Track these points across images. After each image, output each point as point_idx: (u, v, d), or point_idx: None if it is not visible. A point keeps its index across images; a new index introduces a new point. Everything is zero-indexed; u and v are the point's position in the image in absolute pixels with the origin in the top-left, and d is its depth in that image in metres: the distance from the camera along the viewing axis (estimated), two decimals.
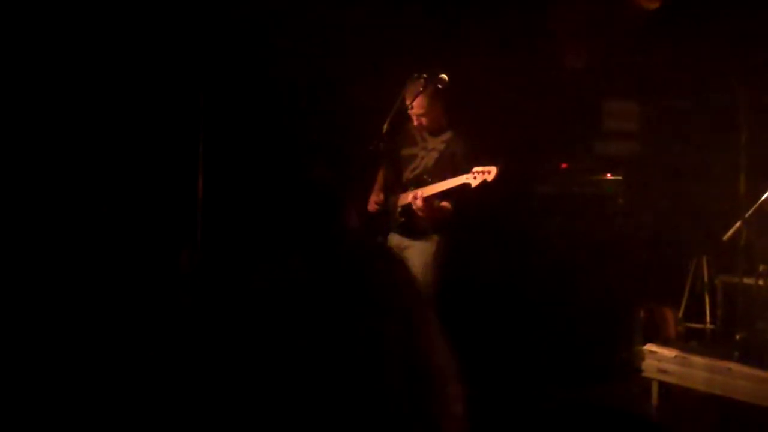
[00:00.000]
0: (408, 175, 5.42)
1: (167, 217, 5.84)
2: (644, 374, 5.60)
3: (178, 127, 5.78)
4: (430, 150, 5.40)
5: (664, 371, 5.50)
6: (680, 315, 6.44)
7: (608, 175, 6.71)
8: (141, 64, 5.79)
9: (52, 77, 5.52)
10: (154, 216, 5.85)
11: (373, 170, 5.50)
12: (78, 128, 5.63)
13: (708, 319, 6.37)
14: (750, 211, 5.67)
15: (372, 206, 5.44)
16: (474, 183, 5.00)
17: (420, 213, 5.16)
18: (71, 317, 4.97)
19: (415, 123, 5.35)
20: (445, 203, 5.24)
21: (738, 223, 5.71)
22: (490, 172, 4.97)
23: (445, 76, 5.06)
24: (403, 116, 5.25)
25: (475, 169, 5.02)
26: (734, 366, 5.12)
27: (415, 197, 5.16)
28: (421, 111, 5.27)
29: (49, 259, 5.31)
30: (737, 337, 5.53)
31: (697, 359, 5.36)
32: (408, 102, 5.17)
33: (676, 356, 5.46)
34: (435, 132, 5.40)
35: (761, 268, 5.78)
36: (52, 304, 5.03)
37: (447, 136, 5.38)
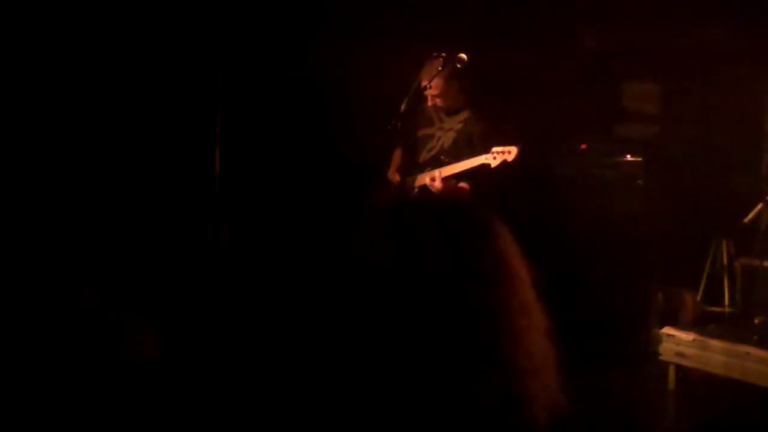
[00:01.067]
0: (425, 155, 5.39)
1: (185, 194, 5.83)
2: (661, 357, 5.57)
3: (196, 104, 5.77)
4: (447, 130, 5.37)
5: (681, 355, 5.46)
6: (699, 298, 6.40)
7: (628, 156, 6.65)
8: (158, 41, 5.77)
9: (69, 54, 5.51)
10: (172, 194, 5.84)
11: (391, 150, 5.47)
12: (97, 108, 5.62)
13: (727, 302, 6.32)
14: None
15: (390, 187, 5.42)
16: (494, 163, 4.96)
17: (436, 195, 5.13)
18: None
19: (430, 103, 5.31)
20: (463, 184, 5.20)
21: (759, 205, 5.67)
22: (510, 152, 4.92)
23: (464, 56, 5.00)
24: (420, 96, 5.21)
25: (494, 149, 4.97)
26: (753, 350, 5.08)
27: (432, 178, 5.13)
28: (437, 91, 5.23)
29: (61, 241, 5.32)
30: (756, 321, 5.49)
31: (715, 343, 5.31)
32: (426, 82, 5.13)
33: (694, 340, 5.42)
34: (451, 112, 5.36)
35: None
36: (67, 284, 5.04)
37: (464, 116, 5.34)
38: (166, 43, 5.78)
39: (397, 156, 5.48)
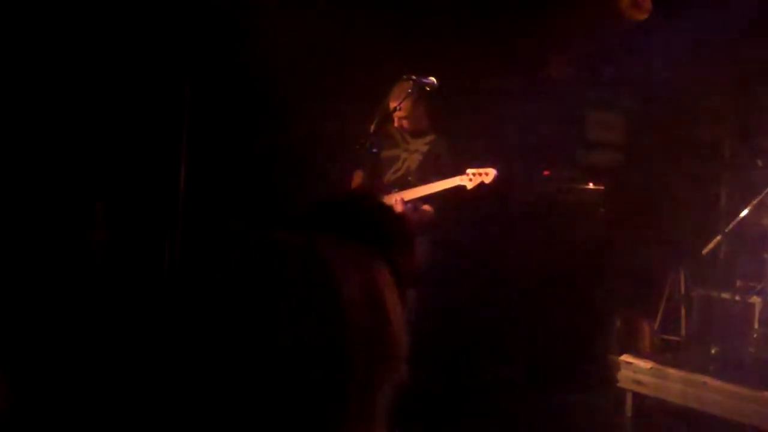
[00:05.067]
0: (390, 176, 5.38)
1: (148, 206, 5.78)
2: (619, 385, 5.61)
3: (162, 115, 5.72)
4: (412, 152, 5.37)
5: (639, 382, 5.51)
6: (656, 327, 6.45)
7: (590, 184, 6.72)
8: (126, 48, 5.72)
9: (32, 61, 5.45)
10: (136, 204, 5.79)
11: (359, 170, 5.47)
12: (61, 117, 5.56)
13: (683, 332, 6.39)
14: (730, 226, 5.69)
15: None
16: (470, 185, 4.96)
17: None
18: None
19: (396, 124, 5.32)
20: (427, 207, 5.21)
21: (717, 237, 5.73)
22: (487, 174, 4.93)
23: (433, 79, 5.02)
24: (388, 117, 5.21)
25: (469, 170, 4.97)
26: (710, 380, 5.13)
27: (397, 201, 5.12)
28: (405, 113, 5.24)
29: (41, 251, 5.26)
30: (713, 351, 5.56)
31: (672, 372, 5.36)
32: (395, 103, 5.13)
33: (651, 368, 5.47)
34: (417, 134, 5.37)
35: (739, 283, 5.81)
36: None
37: (430, 138, 5.35)
38: (134, 52, 5.74)
39: (357, 177, 5.46)
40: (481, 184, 4.92)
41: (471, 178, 4.94)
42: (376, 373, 1.68)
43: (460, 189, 5.01)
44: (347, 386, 1.62)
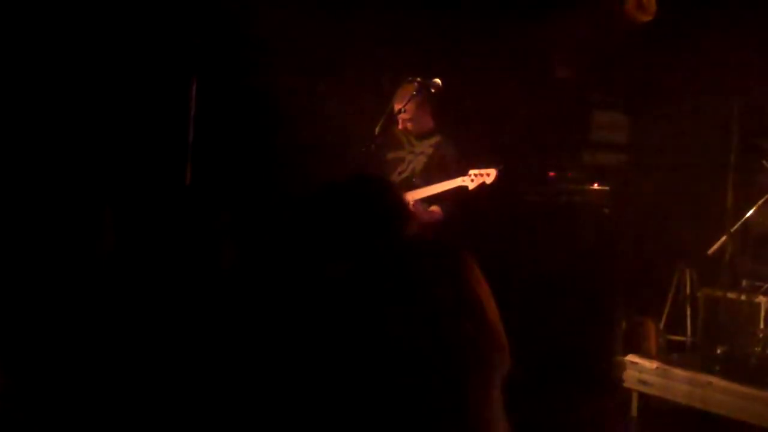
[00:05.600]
0: (395, 178, 5.40)
1: (153, 206, 5.80)
2: (625, 385, 5.61)
3: (168, 114, 5.75)
4: (418, 154, 5.39)
5: (644, 383, 5.51)
6: (661, 327, 6.46)
7: (595, 185, 6.73)
8: (132, 47, 5.75)
9: (39, 60, 5.48)
10: (141, 205, 5.81)
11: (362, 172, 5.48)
12: (67, 118, 5.59)
13: (689, 332, 6.40)
14: (736, 226, 5.71)
15: None
16: (471, 185, 4.98)
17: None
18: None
19: (401, 126, 5.34)
20: (434, 207, 5.23)
21: (723, 238, 5.74)
22: (489, 175, 4.96)
23: (438, 81, 5.05)
24: (393, 119, 5.23)
25: (471, 171, 5.00)
26: (715, 380, 5.14)
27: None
28: (410, 115, 5.26)
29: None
30: (718, 351, 5.56)
31: (678, 372, 5.37)
32: (399, 105, 5.15)
33: (657, 368, 5.48)
34: (422, 136, 5.39)
35: (744, 282, 5.82)
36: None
37: (435, 139, 5.37)
38: (140, 51, 5.76)
39: None
40: (483, 185, 4.94)
41: (473, 179, 4.97)
42: (486, 369, 1.67)
43: (464, 190, 5.03)
44: (461, 387, 1.61)
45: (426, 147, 5.38)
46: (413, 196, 5.16)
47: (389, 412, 1.55)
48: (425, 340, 1.63)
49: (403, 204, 2.29)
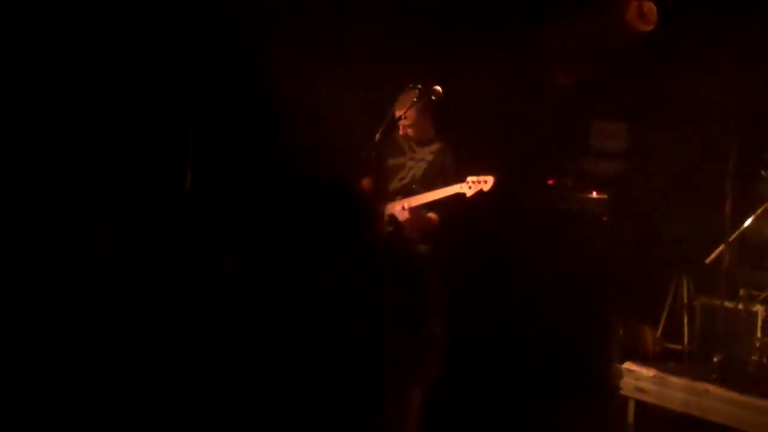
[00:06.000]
0: (396, 184, 5.42)
1: (154, 209, 5.82)
2: (622, 392, 5.64)
3: (169, 123, 5.77)
4: (418, 160, 5.40)
5: (641, 390, 5.54)
6: (659, 335, 6.48)
7: (594, 193, 6.75)
8: (133, 56, 5.76)
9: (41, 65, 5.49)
10: (141, 208, 5.83)
11: (363, 179, 5.50)
12: (69, 122, 5.60)
13: (686, 340, 6.42)
14: (734, 235, 5.73)
15: None
16: (469, 192, 5.00)
17: (405, 224, 5.16)
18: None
19: (402, 132, 5.36)
20: (432, 214, 5.24)
21: (721, 247, 5.76)
22: (486, 182, 4.97)
23: (439, 88, 5.05)
24: (393, 126, 5.25)
25: (469, 178, 5.02)
26: (712, 388, 5.16)
27: (402, 208, 5.17)
28: (411, 122, 5.28)
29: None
30: (715, 359, 5.58)
31: (674, 380, 5.40)
32: (400, 112, 5.17)
33: (654, 376, 5.50)
34: (422, 142, 5.41)
35: (742, 291, 5.84)
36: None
37: (436, 146, 5.39)
38: (140, 61, 5.78)
39: (366, 185, 5.50)
40: (480, 192, 4.96)
41: (470, 186, 4.99)
42: (414, 365, 1.74)
43: (463, 197, 5.05)
44: (385, 378, 1.68)
45: (426, 154, 5.39)
46: (412, 202, 5.17)
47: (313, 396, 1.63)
48: (362, 337, 1.70)
49: (370, 208, 2.34)
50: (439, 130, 5.42)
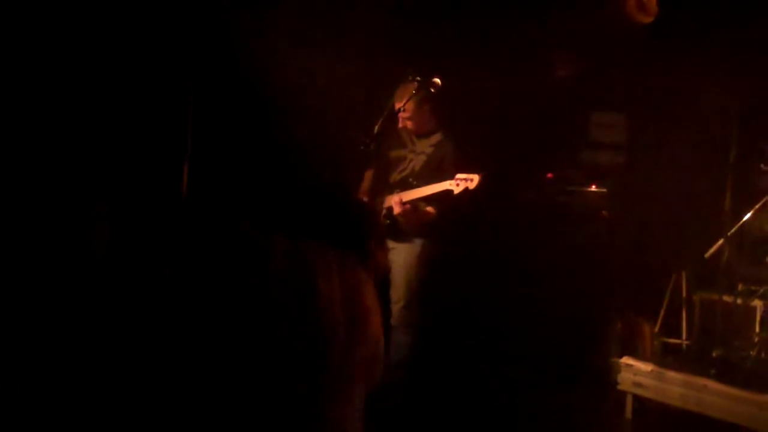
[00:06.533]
0: (395, 177, 5.41)
1: (150, 206, 5.78)
2: (619, 387, 5.62)
3: (165, 117, 5.73)
4: (418, 153, 5.39)
5: (639, 385, 5.52)
6: (657, 329, 6.47)
7: (593, 186, 6.73)
8: (129, 47, 5.73)
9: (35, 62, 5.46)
10: (137, 204, 5.79)
11: (362, 171, 5.48)
12: (63, 117, 5.56)
13: (684, 334, 6.40)
14: (733, 230, 5.71)
15: None
16: (456, 190, 5.01)
17: (400, 218, 5.15)
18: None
19: (401, 125, 5.34)
20: (429, 208, 5.23)
21: (720, 241, 5.75)
22: (472, 180, 4.98)
23: (438, 80, 5.04)
24: (393, 118, 5.23)
25: (458, 175, 5.03)
26: (710, 383, 5.14)
27: (399, 202, 5.15)
28: (410, 114, 5.27)
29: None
30: (714, 354, 5.56)
31: (673, 375, 5.37)
32: (399, 104, 5.15)
33: (652, 370, 5.48)
34: (423, 135, 5.39)
35: (741, 286, 5.82)
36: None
37: (436, 139, 5.37)
38: (137, 51, 5.74)
39: (368, 177, 5.49)
40: (467, 190, 4.97)
41: (458, 184, 4.99)
42: (355, 368, 1.73)
43: (451, 193, 5.05)
44: (325, 379, 1.68)
45: (426, 146, 5.38)
46: (404, 197, 5.17)
47: (252, 405, 1.62)
48: (300, 342, 1.68)
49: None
50: (440, 122, 5.40)
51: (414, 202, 5.19)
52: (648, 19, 6.22)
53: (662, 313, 6.51)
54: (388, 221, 5.26)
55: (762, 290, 5.73)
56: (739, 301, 5.76)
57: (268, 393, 1.63)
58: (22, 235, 5.21)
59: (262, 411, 1.64)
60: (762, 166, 5.86)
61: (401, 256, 5.26)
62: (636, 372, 5.55)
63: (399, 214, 5.14)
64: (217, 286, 1.72)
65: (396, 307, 5.24)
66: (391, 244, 5.28)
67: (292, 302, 1.71)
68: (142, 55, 5.73)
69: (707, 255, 5.84)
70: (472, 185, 4.98)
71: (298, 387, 1.68)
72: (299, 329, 1.69)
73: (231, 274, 1.69)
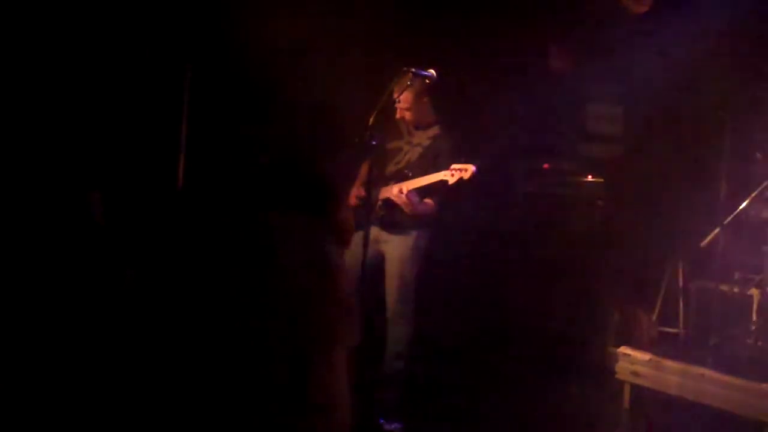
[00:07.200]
0: (391, 168, 5.41)
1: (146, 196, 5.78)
2: (617, 376, 5.62)
3: (161, 102, 5.72)
4: (414, 145, 5.39)
5: (636, 374, 5.53)
6: (654, 318, 6.47)
7: (590, 176, 6.74)
8: (126, 36, 5.72)
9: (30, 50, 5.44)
10: (133, 195, 5.79)
11: (358, 162, 5.46)
12: (59, 108, 5.56)
13: (681, 324, 6.41)
14: (729, 218, 5.71)
15: (353, 200, 5.40)
16: (451, 180, 5.01)
17: (405, 208, 5.13)
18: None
19: (399, 116, 5.34)
20: (428, 199, 5.23)
21: (716, 230, 5.75)
22: (466, 170, 4.98)
23: (433, 72, 5.03)
24: (390, 109, 5.22)
25: (453, 166, 5.03)
26: (708, 372, 5.15)
27: (400, 191, 5.14)
28: (407, 105, 5.27)
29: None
30: (711, 343, 5.57)
31: (670, 364, 5.38)
32: (396, 95, 5.14)
33: (649, 360, 5.49)
34: (420, 126, 5.39)
35: (737, 275, 5.83)
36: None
37: (433, 131, 5.37)
38: (133, 40, 5.73)
39: (364, 168, 5.48)
40: (461, 180, 4.97)
41: (453, 174, 4.99)
42: (330, 328, 1.75)
43: (446, 184, 5.05)
44: (300, 341, 1.70)
45: (423, 138, 5.37)
46: (407, 187, 5.15)
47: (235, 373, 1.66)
48: (276, 311, 1.73)
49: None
50: (438, 114, 5.40)
51: (413, 193, 5.18)
52: (643, 9, 6.22)
53: (659, 302, 6.52)
54: (383, 213, 5.26)
55: (758, 279, 5.74)
56: (735, 289, 5.77)
57: (247, 365, 1.66)
58: (18, 226, 5.20)
59: (241, 383, 1.67)
60: (757, 154, 5.87)
61: (396, 248, 5.26)
62: (633, 361, 5.55)
63: (403, 203, 5.13)
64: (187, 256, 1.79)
65: (390, 300, 5.24)
66: (385, 236, 5.28)
67: (252, 272, 1.75)
68: (138, 45, 5.73)
69: (703, 244, 5.85)
70: (466, 175, 4.98)
71: (276, 355, 1.70)
72: (264, 300, 1.73)
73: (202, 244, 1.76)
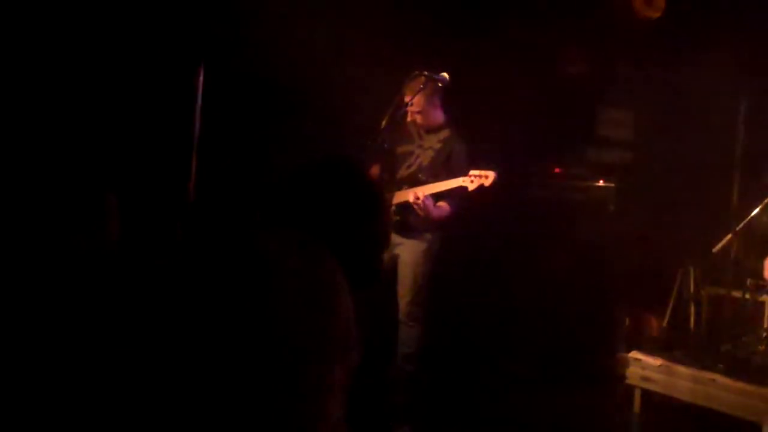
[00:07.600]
0: (403, 172, 5.40)
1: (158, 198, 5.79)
2: (627, 381, 5.62)
3: (173, 104, 5.73)
4: (426, 148, 5.39)
5: (647, 379, 5.52)
6: (665, 324, 6.46)
7: (601, 181, 6.73)
8: (137, 38, 5.73)
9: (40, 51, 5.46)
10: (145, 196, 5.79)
11: (369, 166, 5.47)
12: (71, 108, 5.57)
13: (692, 329, 6.39)
14: (741, 225, 5.70)
15: None
16: (471, 187, 5.01)
17: (420, 212, 5.13)
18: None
19: (410, 119, 5.35)
20: (443, 203, 5.23)
21: (728, 236, 5.74)
22: (487, 177, 4.98)
23: (446, 75, 5.05)
24: (401, 113, 5.23)
25: (472, 172, 5.03)
26: (719, 378, 5.15)
27: (416, 196, 5.12)
28: (418, 108, 5.27)
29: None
30: (722, 349, 5.56)
31: (681, 369, 5.38)
32: (407, 99, 5.15)
33: (660, 365, 5.48)
34: (432, 130, 5.39)
35: (749, 281, 5.82)
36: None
37: (444, 134, 5.37)
38: (145, 41, 5.74)
39: (373, 172, 5.48)
40: (482, 187, 4.97)
41: (473, 180, 4.99)
42: (326, 355, 1.74)
43: (465, 190, 5.05)
44: (293, 367, 1.69)
45: (434, 142, 5.38)
46: (419, 191, 5.15)
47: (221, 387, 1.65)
48: (268, 325, 1.71)
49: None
50: (449, 117, 5.41)
51: (428, 198, 5.18)
52: (655, 15, 6.22)
53: (670, 307, 6.50)
54: (398, 217, 5.26)
55: None
56: (747, 296, 5.76)
57: (240, 381, 1.65)
58: (29, 228, 5.20)
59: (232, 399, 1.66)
60: None
61: (408, 251, 5.26)
62: (644, 366, 5.55)
63: (420, 208, 5.12)
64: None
65: (403, 302, 5.24)
66: (398, 239, 5.28)
67: (245, 289, 1.74)
68: (150, 46, 5.74)
69: (715, 250, 5.84)
70: (487, 182, 4.98)
71: (270, 374, 1.69)
72: (258, 314, 1.72)
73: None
